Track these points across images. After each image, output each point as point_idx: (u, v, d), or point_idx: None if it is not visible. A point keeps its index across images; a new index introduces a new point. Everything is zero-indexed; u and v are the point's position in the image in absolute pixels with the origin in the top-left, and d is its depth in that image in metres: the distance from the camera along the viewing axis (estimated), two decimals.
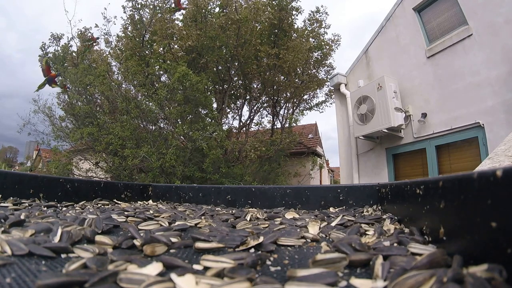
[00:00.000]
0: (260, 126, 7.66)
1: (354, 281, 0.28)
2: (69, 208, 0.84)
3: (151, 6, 6.18)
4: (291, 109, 7.90)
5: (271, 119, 7.83)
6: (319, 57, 7.45)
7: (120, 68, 6.27)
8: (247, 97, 7.54)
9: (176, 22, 6.36)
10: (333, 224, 0.64)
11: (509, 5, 3.44)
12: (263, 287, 0.26)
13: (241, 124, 7.59)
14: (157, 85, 5.87)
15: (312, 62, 7.40)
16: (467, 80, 3.83)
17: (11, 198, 0.83)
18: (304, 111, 8.08)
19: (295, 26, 7.12)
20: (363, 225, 0.59)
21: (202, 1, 5.81)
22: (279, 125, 7.77)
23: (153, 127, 6.09)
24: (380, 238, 0.46)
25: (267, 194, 1.14)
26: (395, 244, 0.42)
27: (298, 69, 7.15)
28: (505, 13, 3.48)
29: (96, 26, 6.65)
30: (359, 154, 5.16)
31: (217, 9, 6.24)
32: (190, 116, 5.75)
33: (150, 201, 1.23)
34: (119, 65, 6.46)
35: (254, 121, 7.71)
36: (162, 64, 5.92)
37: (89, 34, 6.85)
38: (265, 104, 7.82)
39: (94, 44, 6.83)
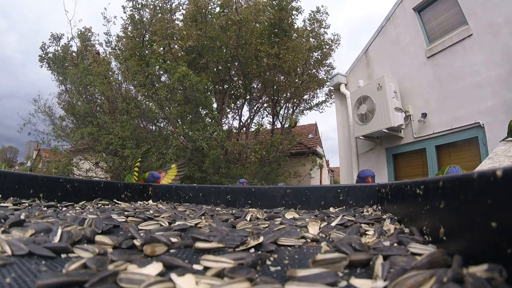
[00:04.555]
0: (260, 127, 7.65)
1: (354, 281, 0.28)
2: (69, 208, 0.84)
3: (151, 6, 6.18)
4: (291, 109, 7.90)
5: (271, 119, 7.83)
6: (319, 57, 7.45)
7: (120, 68, 6.27)
8: (247, 97, 7.54)
9: (176, 22, 6.36)
10: (333, 224, 0.64)
11: (509, 5, 3.44)
12: (263, 287, 0.26)
13: (241, 124, 7.59)
14: (157, 85, 5.87)
15: (312, 62, 7.40)
16: (467, 80, 3.82)
17: (11, 198, 0.83)
18: (304, 111, 8.09)
19: (295, 26, 7.12)
20: (363, 225, 0.59)
21: (202, 1, 5.81)
22: (279, 125, 7.78)
23: (153, 127, 6.09)
24: (380, 238, 0.46)
25: (267, 194, 1.14)
26: (395, 244, 0.41)
27: (298, 69, 7.15)
28: (505, 13, 3.48)
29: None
30: (359, 154, 5.16)
31: (217, 9, 6.24)
32: (190, 116, 5.75)
33: (150, 201, 1.23)
34: (119, 65, 6.46)
35: (254, 121, 7.71)
36: (162, 64, 5.91)
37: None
38: (265, 104, 7.82)
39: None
